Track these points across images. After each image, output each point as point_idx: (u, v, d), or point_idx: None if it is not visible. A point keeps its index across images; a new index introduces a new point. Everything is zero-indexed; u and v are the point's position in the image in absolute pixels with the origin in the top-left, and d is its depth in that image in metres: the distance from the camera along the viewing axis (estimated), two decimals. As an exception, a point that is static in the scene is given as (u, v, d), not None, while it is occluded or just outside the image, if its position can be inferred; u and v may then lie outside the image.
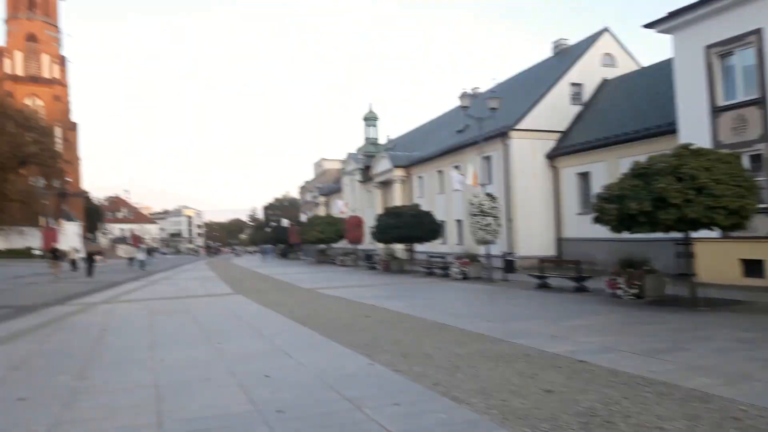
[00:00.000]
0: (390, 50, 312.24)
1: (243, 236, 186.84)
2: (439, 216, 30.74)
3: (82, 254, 33.02)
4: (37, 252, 50.60)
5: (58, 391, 6.35)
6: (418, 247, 31.75)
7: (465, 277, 22.36)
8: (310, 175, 71.61)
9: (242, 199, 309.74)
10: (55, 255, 30.90)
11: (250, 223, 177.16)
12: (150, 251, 52.38)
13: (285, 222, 61.66)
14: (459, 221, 32.57)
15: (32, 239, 55.56)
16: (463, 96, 23.62)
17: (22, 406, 5.84)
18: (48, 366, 7.78)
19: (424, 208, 30.69)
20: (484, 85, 46.33)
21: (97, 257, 33.32)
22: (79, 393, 6.26)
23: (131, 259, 42.65)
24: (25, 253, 52.89)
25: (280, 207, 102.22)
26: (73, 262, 31.91)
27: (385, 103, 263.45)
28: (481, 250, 22.80)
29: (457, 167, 32.01)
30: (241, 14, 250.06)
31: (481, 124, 22.92)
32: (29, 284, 25.52)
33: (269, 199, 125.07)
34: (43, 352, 8.91)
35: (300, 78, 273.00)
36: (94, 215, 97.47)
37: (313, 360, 7.71)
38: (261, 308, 14.44)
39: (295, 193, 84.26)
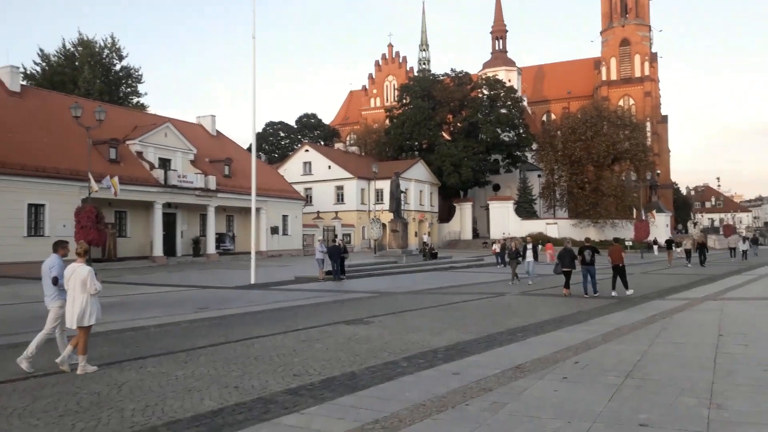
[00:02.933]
0: None
1: None
2: None
3: (688, 245, 33.74)
4: (628, 243, 51.89)
5: (687, 420, 4.83)
6: None
7: None
8: None
9: None
10: (669, 245, 34.25)
11: None
12: (754, 241, 46.78)
13: None
14: None
15: (623, 231, 57.49)
16: None
17: (644, 434, 4.57)
18: (665, 379, 6.37)
19: None
20: None
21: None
22: (716, 428, 4.59)
23: (732, 250, 38.69)
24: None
25: None
26: (687, 252, 32.97)
27: None
28: None
29: None
30: None
31: None
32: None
33: None
34: (653, 356, 7.62)
35: None
36: (682, 206, 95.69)
37: None
38: None
39: None
